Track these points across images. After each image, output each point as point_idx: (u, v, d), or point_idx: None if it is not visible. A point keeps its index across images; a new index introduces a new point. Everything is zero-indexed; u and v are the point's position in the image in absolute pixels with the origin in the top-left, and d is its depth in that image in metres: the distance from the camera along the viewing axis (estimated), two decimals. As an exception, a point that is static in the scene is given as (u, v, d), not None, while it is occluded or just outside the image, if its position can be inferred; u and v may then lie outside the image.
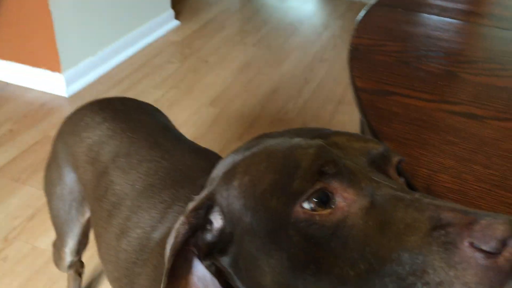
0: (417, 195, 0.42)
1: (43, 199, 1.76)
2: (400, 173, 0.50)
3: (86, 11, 2.35)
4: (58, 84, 2.31)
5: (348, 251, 0.41)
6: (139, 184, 0.88)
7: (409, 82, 0.75)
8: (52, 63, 2.27)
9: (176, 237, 0.49)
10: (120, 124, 0.99)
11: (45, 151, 1.99)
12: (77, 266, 1.35)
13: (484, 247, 0.36)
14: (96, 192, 0.94)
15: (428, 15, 0.99)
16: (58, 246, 1.15)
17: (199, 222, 0.50)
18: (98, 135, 0.98)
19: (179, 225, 0.49)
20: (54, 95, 2.32)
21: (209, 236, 0.51)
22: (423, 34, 0.91)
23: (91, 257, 1.56)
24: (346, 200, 0.43)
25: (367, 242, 0.41)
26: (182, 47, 2.86)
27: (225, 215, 0.50)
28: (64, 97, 2.31)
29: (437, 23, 0.96)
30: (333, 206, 0.43)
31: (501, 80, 0.77)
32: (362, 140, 0.49)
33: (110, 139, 0.96)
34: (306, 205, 0.43)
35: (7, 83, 2.39)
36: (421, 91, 0.73)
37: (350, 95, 2.53)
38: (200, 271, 0.52)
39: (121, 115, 1.02)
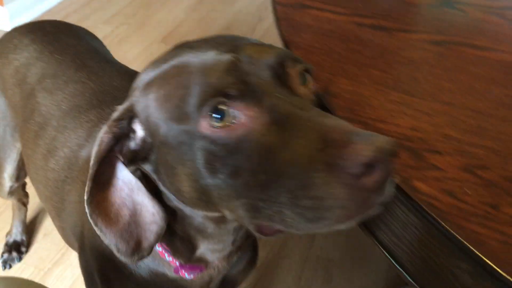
0: (313, 112, 0.45)
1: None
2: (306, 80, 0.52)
3: None
4: (1, 18, 2.22)
5: (250, 163, 0.45)
6: (65, 104, 0.88)
7: (326, -3, 0.77)
8: (-7, -5, 2.17)
9: (99, 145, 0.52)
10: (48, 46, 0.97)
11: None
12: (21, 196, 1.36)
13: (351, 170, 0.40)
14: (23, 114, 0.94)
15: None
16: None
17: (123, 131, 0.53)
18: (25, 57, 0.97)
19: (102, 134, 0.52)
20: (-3, 29, 2.24)
21: (132, 144, 0.54)
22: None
23: (36, 188, 1.57)
24: (248, 117, 0.46)
25: (266, 156, 0.44)
26: (134, -18, 2.77)
27: (144, 125, 0.52)
28: (8, 31, 2.23)
29: None
30: (236, 122, 0.46)
31: (414, -3, 0.80)
32: (271, 52, 0.50)
33: (37, 60, 0.96)
34: (210, 121, 0.46)
35: None
36: (335, 5, 0.75)
37: (302, 33, 2.53)
38: (125, 176, 0.55)
39: (50, 37, 1.00)
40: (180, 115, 0.48)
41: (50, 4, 2.41)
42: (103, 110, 0.87)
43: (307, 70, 0.52)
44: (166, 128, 0.50)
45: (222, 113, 0.46)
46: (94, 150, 0.53)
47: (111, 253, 0.58)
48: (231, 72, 0.47)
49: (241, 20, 2.52)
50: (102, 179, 0.55)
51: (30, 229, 1.47)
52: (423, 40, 0.69)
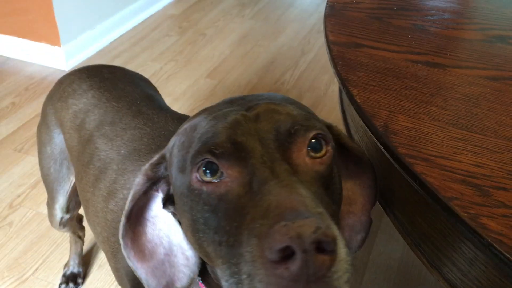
0: (284, 183, 0.44)
1: (45, 168, 1.82)
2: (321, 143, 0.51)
3: (83, -15, 2.38)
4: (58, 58, 2.36)
5: (227, 222, 0.47)
6: (124, 149, 0.92)
7: (379, 35, 0.79)
8: (51, 37, 2.31)
9: (135, 186, 0.57)
10: (105, 93, 1.01)
11: (46, 122, 2.04)
12: (77, 229, 1.41)
13: (269, 255, 0.39)
14: (81, 159, 0.98)
15: (406, -25, 1.02)
16: (50, 204, 1.20)
17: (159, 175, 0.58)
18: (83, 103, 1.01)
19: (138, 176, 0.57)
20: (54, 68, 2.37)
21: (167, 188, 0.58)
22: (399, -7, 0.94)
23: (92, 221, 1.63)
24: (230, 176, 0.48)
25: (237, 218, 0.45)
26: (180, 21, 2.89)
27: (168, 172, 0.57)
28: (64, 71, 2.36)
29: (414, -18, 0.99)
30: (219, 180, 0.48)
31: (467, 33, 0.81)
32: (283, 116, 0.51)
33: (95, 107, 0.99)
34: (199, 175, 0.49)
35: (8, 58, 2.44)
36: (389, 43, 0.77)
37: (345, 65, 2.55)
38: (166, 217, 0.59)
39: (108, 83, 1.04)
40: (182, 166, 0.52)
41: (103, 44, 2.55)
42: None
43: (321, 136, 0.51)
44: (174, 177, 0.54)
45: (210, 170, 0.48)
46: (131, 191, 0.57)
47: None
48: (226, 131, 0.49)
49: (284, 54, 2.57)
50: (141, 216, 0.59)
51: (86, 260, 1.52)
52: (479, 76, 0.69)
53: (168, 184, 0.57)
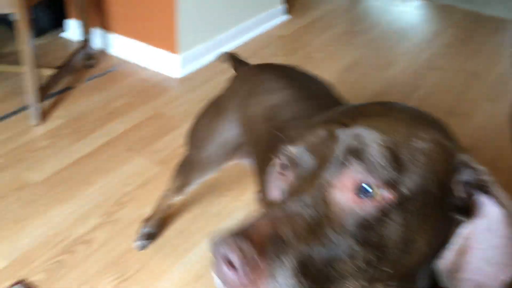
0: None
1: (153, 171, 1.85)
2: None
3: (206, -3, 2.44)
4: (173, 65, 2.42)
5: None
6: None
7: None
8: (170, 44, 2.38)
9: None
10: (298, 93, 1.11)
11: (156, 126, 2.09)
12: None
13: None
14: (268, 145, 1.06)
15: None
16: (195, 176, 1.37)
17: None
18: (278, 99, 1.10)
19: None
20: (167, 76, 2.43)
21: None
22: None
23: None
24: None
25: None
26: (290, 41, 2.88)
27: None
28: (177, 78, 2.41)
29: None
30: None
31: None
32: (359, 147, 0.54)
33: (287, 104, 1.08)
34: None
35: (126, 61, 2.54)
36: None
37: (462, 106, 2.40)
38: None
39: (299, 84, 1.14)
40: None
41: (214, 56, 2.59)
42: None
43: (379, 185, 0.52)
44: None
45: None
46: None
47: None
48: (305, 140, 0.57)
49: (393, 87, 2.48)
50: None
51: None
52: None
53: None
